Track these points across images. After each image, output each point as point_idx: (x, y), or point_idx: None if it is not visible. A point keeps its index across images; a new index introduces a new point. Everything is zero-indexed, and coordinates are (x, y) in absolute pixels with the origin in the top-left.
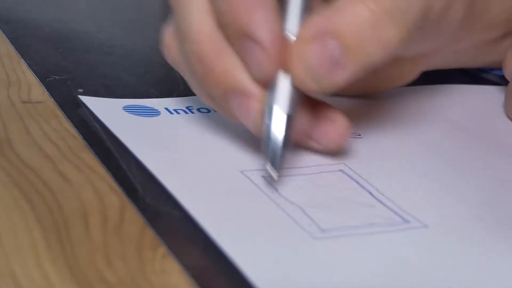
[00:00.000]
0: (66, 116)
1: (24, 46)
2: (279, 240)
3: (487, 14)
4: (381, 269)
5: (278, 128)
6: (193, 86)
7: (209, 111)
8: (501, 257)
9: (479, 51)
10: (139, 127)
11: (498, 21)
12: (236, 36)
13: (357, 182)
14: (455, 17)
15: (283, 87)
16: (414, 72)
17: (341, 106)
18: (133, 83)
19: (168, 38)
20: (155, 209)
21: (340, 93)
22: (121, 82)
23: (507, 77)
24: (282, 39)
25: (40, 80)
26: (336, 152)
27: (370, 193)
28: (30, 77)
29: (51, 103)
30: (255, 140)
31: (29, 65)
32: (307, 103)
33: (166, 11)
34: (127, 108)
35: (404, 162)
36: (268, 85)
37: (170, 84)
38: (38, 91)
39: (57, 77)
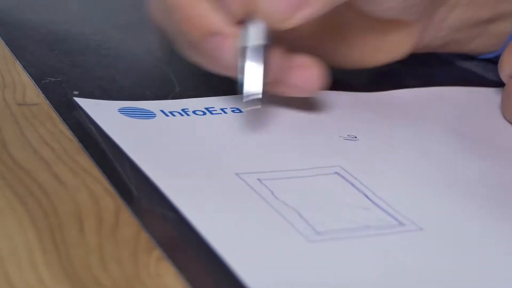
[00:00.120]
0: (61, 118)
1: (19, 48)
2: (275, 243)
3: None
4: (377, 272)
5: (254, 58)
6: (174, 39)
7: (204, 113)
8: (497, 260)
9: (468, 33)
10: (134, 129)
11: None
12: None
13: (353, 185)
14: None
15: (256, 24)
16: (405, 45)
17: (337, 107)
18: (129, 85)
19: (152, 2)
20: (150, 212)
21: (336, 66)
22: (116, 84)
23: (503, 79)
24: None
25: (35, 82)
26: (312, 95)
27: (366, 195)
28: (25, 79)
29: (46, 105)
30: (252, 141)
31: (24, 67)
32: (280, 52)
33: None
34: (122, 110)
35: (399, 164)
36: (241, 25)
37: (166, 86)
38: (33, 93)
39: (53, 79)
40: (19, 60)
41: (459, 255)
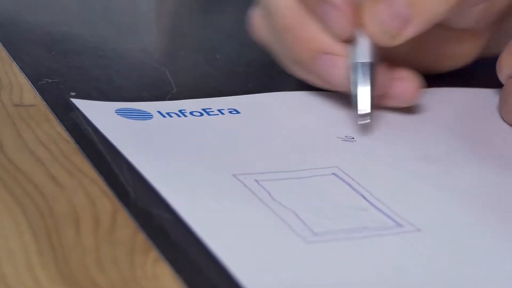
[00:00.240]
0: (58, 120)
1: (16, 49)
2: (272, 244)
3: None
4: (374, 273)
5: (364, 76)
6: (282, 58)
7: (201, 114)
8: (494, 261)
9: None
10: (131, 130)
11: None
12: (314, 4)
13: (350, 186)
14: None
15: (362, 42)
16: (475, 52)
17: (334, 108)
18: (126, 86)
19: (256, 18)
20: (147, 213)
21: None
22: (113, 85)
23: (502, 79)
24: (354, 0)
25: (32, 83)
26: (411, 107)
27: (363, 196)
28: (22, 80)
29: (43, 106)
30: (249, 142)
31: (21, 68)
32: (384, 66)
33: (159, 14)
34: (119, 111)
35: (397, 165)
36: (348, 43)
37: (163, 87)
38: (30, 95)
39: (49, 80)
40: (16, 61)
41: (456, 256)
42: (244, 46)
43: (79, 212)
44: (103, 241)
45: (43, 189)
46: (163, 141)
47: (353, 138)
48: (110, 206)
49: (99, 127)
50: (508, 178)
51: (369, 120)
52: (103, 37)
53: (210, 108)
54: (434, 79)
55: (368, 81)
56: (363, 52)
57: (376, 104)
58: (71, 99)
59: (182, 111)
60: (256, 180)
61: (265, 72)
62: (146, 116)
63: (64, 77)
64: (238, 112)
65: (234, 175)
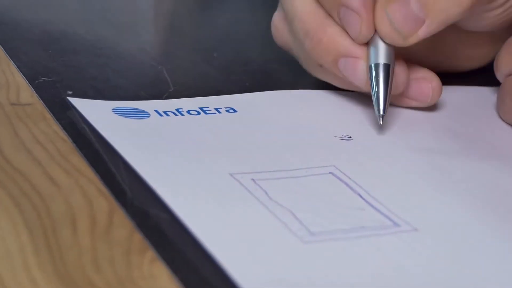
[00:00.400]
0: (55, 119)
1: (13, 48)
2: (269, 244)
3: None
4: (372, 273)
5: (382, 78)
6: (303, 60)
7: (198, 113)
8: (492, 261)
9: None
10: (128, 129)
11: None
12: (333, 8)
13: (347, 185)
14: None
15: (380, 44)
16: (492, 53)
17: (332, 107)
18: (123, 85)
19: (277, 22)
20: (143, 213)
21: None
22: (110, 84)
23: (499, 78)
24: (372, 2)
25: (29, 82)
26: (431, 106)
27: (360, 196)
28: (19, 79)
29: (40, 105)
30: (246, 141)
31: (18, 67)
32: (402, 63)
33: (156, 13)
34: (116, 110)
35: (394, 164)
36: (368, 45)
37: (160, 86)
38: (27, 93)
39: (46, 79)
40: (13, 60)
41: (454, 255)
42: (241, 45)
43: (76, 211)
44: (100, 240)
45: (39, 188)
46: (160, 140)
47: (350, 137)
48: (107, 205)
49: (96, 126)
50: (506, 177)
51: (381, 123)
52: (100, 35)
53: (207, 107)
54: None
55: (383, 83)
56: (380, 54)
57: (396, 104)
58: (68, 98)
59: (179, 110)
60: (253, 179)
61: (262, 71)
62: (143, 115)
63: (61, 76)
64: (235, 111)
65: (231, 174)
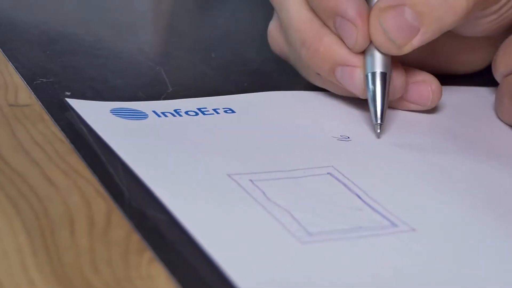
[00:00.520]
0: (53, 120)
1: (11, 49)
2: (267, 244)
3: None
4: (370, 273)
5: (378, 86)
6: (300, 69)
7: (197, 114)
8: (490, 261)
9: None
10: (126, 130)
11: None
12: (328, 17)
13: (345, 185)
14: None
15: (375, 52)
16: (489, 57)
17: (330, 108)
18: (121, 86)
19: (273, 32)
20: (141, 214)
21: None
22: (108, 85)
23: (497, 78)
24: (367, 12)
25: (27, 83)
26: (433, 109)
27: (358, 196)
28: (17, 80)
29: (38, 106)
30: (244, 142)
31: (16, 68)
32: (399, 68)
33: (155, 13)
34: (114, 111)
35: (392, 165)
36: (364, 53)
37: (158, 87)
38: (25, 94)
39: (44, 80)
40: (11, 61)
41: (452, 255)
42: (239, 45)
43: (74, 212)
44: (98, 241)
45: (37, 189)
46: (158, 141)
47: (349, 138)
48: (105, 206)
49: (94, 127)
50: (505, 177)
51: (379, 131)
52: (99, 36)
53: (205, 108)
54: None
55: (380, 92)
56: (377, 63)
57: (396, 107)
58: (66, 99)
59: (177, 110)
60: (250, 180)
61: (260, 72)
62: (141, 115)
63: (59, 77)
64: (233, 112)
65: (229, 175)
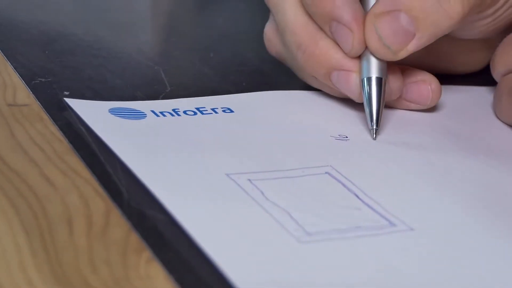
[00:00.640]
0: (51, 119)
1: (9, 49)
2: (265, 244)
3: None
4: (368, 272)
5: (374, 91)
6: (296, 71)
7: (195, 113)
8: (488, 260)
9: None
10: (125, 129)
11: None
12: (324, 22)
13: (344, 185)
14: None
15: (371, 57)
16: (486, 59)
17: (328, 107)
18: (120, 85)
19: (270, 34)
20: (140, 213)
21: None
22: (107, 84)
23: (496, 77)
24: (363, 17)
25: (25, 82)
26: (431, 108)
27: (357, 195)
28: (16, 79)
29: (36, 106)
30: (242, 141)
31: (15, 68)
32: (396, 70)
33: (153, 13)
34: (113, 111)
35: (390, 164)
36: (360, 57)
37: (157, 86)
38: (24, 94)
39: (43, 80)
40: (9, 61)
41: (450, 255)
42: (238, 45)
43: (72, 212)
44: (96, 241)
45: (36, 189)
46: (156, 140)
47: (347, 137)
48: (103, 206)
49: (93, 127)
50: (504, 176)
51: (375, 135)
52: (97, 36)
53: (204, 107)
54: None
55: (375, 97)
56: (372, 67)
57: (396, 107)
58: (64, 98)
59: (176, 110)
60: (249, 180)
61: (259, 71)
62: (139, 115)
63: (57, 77)
64: (231, 111)
65: (227, 175)
